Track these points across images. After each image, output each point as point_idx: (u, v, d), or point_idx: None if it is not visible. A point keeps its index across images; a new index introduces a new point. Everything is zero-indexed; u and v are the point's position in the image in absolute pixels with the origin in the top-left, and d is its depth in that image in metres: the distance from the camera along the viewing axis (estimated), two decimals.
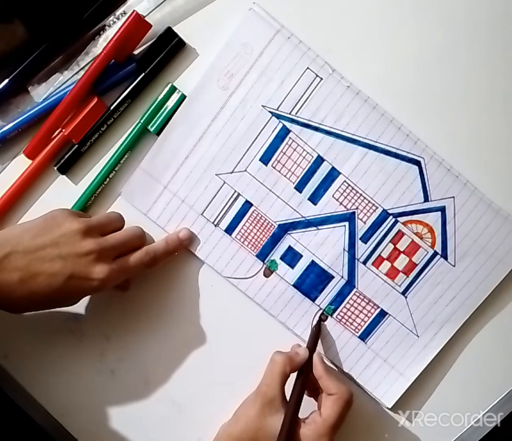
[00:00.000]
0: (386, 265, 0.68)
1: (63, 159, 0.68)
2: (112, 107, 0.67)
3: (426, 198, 0.67)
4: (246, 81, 0.66)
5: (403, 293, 0.69)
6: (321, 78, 0.65)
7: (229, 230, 0.69)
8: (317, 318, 0.70)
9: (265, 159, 0.67)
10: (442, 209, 0.67)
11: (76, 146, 0.68)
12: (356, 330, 0.70)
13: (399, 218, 0.67)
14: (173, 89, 0.67)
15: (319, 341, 0.69)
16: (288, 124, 0.66)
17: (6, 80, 0.67)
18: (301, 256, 0.69)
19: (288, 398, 0.64)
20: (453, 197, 0.66)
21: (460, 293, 0.68)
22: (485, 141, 0.67)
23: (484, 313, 0.69)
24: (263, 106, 0.66)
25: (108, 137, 0.68)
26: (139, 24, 0.65)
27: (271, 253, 0.69)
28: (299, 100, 0.66)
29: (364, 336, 0.70)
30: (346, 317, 0.70)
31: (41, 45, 0.66)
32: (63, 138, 0.67)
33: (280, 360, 0.65)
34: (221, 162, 0.67)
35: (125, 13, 0.67)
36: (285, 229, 0.68)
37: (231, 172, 0.68)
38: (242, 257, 0.69)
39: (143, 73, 0.67)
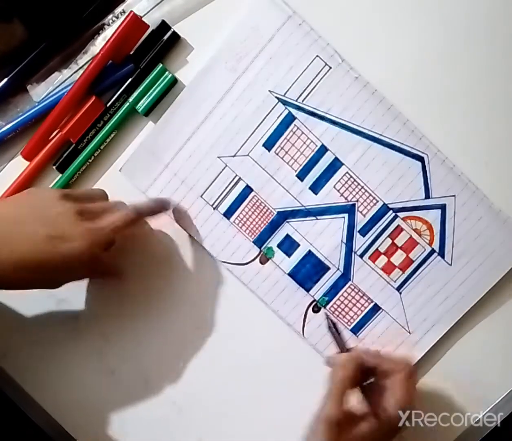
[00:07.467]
0: (382, 260, 0.68)
1: (62, 158, 0.68)
2: (108, 104, 0.67)
3: (427, 195, 0.66)
4: (254, 64, 0.65)
5: (398, 288, 0.69)
6: (330, 67, 0.65)
7: (228, 213, 0.68)
8: (326, 323, 0.69)
9: (269, 145, 0.67)
10: (443, 208, 0.67)
11: (73, 145, 0.68)
12: (349, 323, 0.70)
13: (399, 214, 0.67)
14: (163, 71, 0.66)
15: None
16: (294, 111, 0.66)
17: (5, 80, 0.67)
18: (299, 245, 0.68)
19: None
20: (454, 196, 0.66)
21: (455, 292, 0.68)
22: (485, 141, 0.67)
23: (484, 313, 0.69)
24: (270, 91, 0.66)
25: None
26: (136, 24, 0.65)
27: (268, 240, 0.69)
28: (306, 87, 0.65)
29: (356, 330, 0.70)
30: (339, 309, 0.69)
31: (40, 44, 0.67)
32: (60, 139, 0.67)
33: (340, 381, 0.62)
34: (224, 145, 0.67)
35: (124, 12, 0.66)
36: (284, 216, 0.68)
37: (233, 156, 0.67)
38: (239, 242, 0.69)
39: (139, 69, 0.66)
